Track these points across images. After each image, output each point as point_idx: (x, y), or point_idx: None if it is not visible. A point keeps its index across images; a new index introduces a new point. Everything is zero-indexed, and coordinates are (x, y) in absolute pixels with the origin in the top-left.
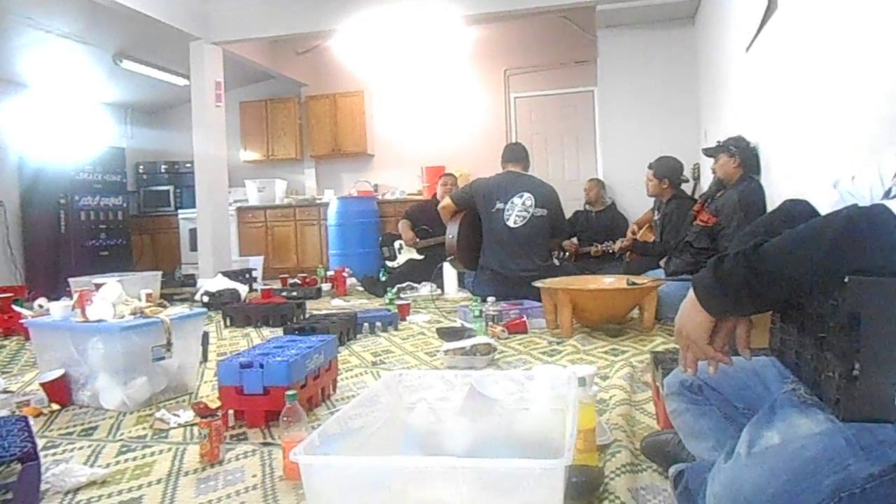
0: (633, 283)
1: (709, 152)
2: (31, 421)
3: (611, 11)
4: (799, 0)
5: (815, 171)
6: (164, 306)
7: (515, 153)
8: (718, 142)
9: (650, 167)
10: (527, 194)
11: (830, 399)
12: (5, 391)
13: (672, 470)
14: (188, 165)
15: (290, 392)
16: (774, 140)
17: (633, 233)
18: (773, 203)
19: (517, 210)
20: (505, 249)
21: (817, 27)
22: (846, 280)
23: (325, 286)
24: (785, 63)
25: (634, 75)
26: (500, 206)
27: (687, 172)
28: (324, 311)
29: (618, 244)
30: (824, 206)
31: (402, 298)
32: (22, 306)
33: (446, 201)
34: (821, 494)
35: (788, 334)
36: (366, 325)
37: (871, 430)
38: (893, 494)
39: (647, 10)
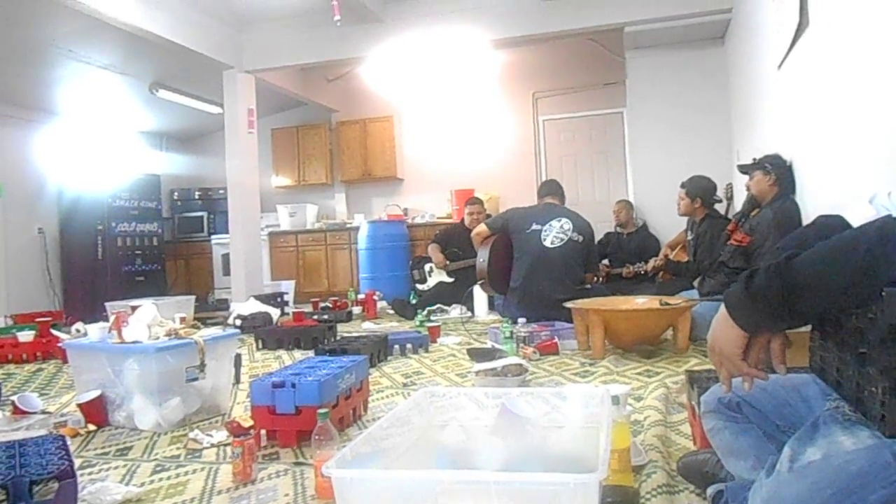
0: (666, 304)
1: (743, 169)
2: (69, 441)
3: (639, 33)
4: (831, 16)
5: (852, 188)
6: (198, 328)
7: (552, 188)
8: (754, 159)
9: (682, 186)
10: (565, 219)
11: (875, 415)
12: (44, 412)
13: (711, 490)
14: (221, 192)
15: (322, 410)
16: (809, 157)
17: (666, 255)
18: (808, 222)
19: (555, 231)
20: (539, 270)
21: (850, 42)
22: (884, 293)
23: (356, 309)
24: (819, 79)
25: (664, 96)
26: (536, 227)
27: (720, 192)
28: (354, 334)
29: (650, 264)
30: (859, 222)
31: (432, 321)
32: (60, 330)
33: (481, 228)
34: None
35: (828, 351)
36: (396, 347)
37: None
38: None
39: (675, 31)
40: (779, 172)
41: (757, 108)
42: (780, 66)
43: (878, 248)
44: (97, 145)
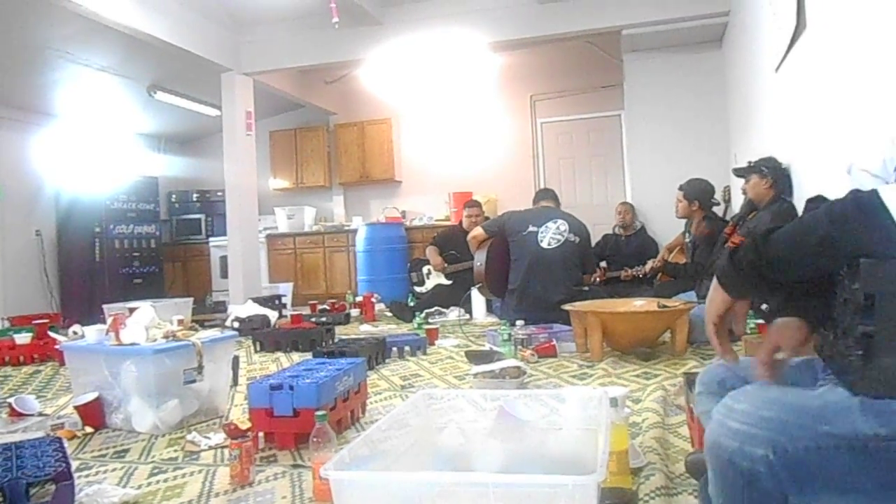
0: (664, 306)
1: (739, 172)
2: (66, 443)
3: (636, 36)
4: (828, 18)
5: (848, 191)
6: (196, 330)
7: (547, 194)
8: (750, 162)
9: (680, 189)
10: (560, 220)
11: (851, 381)
12: (41, 414)
13: (702, 481)
14: (219, 194)
15: (319, 413)
16: (806, 160)
17: (664, 257)
18: None
19: (551, 233)
20: (535, 271)
21: (848, 44)
22: (860, 263)
23: (354, 312)
24: (816, 82)
25: (662, 99)
26: (533, 228)
27: (717, 195)
28: (352, 336)
29: (648, 265)
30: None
31: (430, 323)
32: (57, 333)
33: (477, 231)
34: (817, 437)
35: (824, 334)
36: (394, 349)
37: (890, 403)
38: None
39: (673, 34)
40: (775, 175)
41: (754, 111)
42: (777, 69)
43: (837, 224)
44: (95, 148)
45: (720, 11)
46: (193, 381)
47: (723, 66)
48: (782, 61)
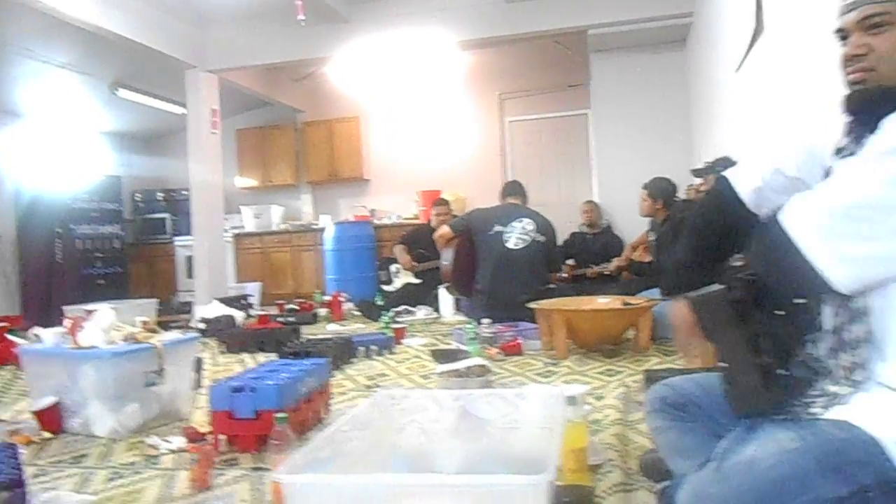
0: (628, 304)
1: (698, 173)
2: (21, 449)
3: (602, 36)
4: (784, 21)
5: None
6: (157, 332)
7: (514, 188)
8: (707, 162)
9: (644, 187)
10: (527, 219)
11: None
12: None
13: (659, 487)
14: (185, 193)
15: (279, 415)
16: None
17: (629, 256)
18: None
19: (517, 233)
20: (502, 272)
21: (803, 47)
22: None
23: (322, 311)
24: (773, 83)
25: (627, 98)
26: (499, 228)
27: (681, 193)
28: (319, 336)
29: (614, 263)
30: (746, 191)
31: (398, 322)
32: (17, 336)
33: (444, 230)
34: None
35: None
36: (361, 349)
37: (842, 450)
38: None
39: (638, 34)
40: None
41: (716, 110)
42: (737, 70)
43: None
44: (56, 146)
45: (684, 12)
46: (154, 384)
47: (686, 66)
48: (742, 62)
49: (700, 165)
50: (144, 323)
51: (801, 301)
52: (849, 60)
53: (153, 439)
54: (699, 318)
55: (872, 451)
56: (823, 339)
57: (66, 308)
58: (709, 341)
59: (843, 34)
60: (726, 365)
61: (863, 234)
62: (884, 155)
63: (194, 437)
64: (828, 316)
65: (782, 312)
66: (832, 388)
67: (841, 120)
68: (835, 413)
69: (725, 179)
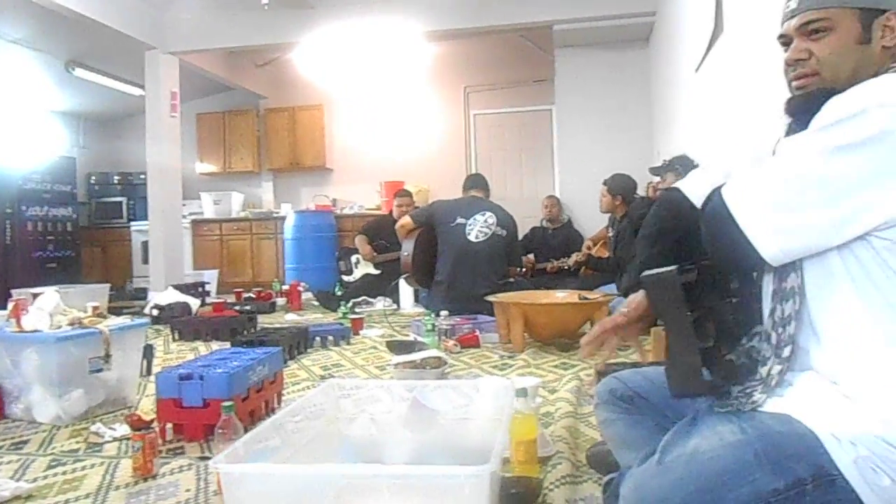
0: (585, 298)
1: (656, 171)
2: None
3: (567, 31)
4: (742, 22)
5: None
6: (105, 317)
7: (477, 181)
8: (665, 161)
9: (605, 184)
10: (489, 213)
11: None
12: None
13: (605, 479)
14: (142, 177)
15: (226, 404)
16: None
17: (588, 248)
18: None
19: (479, 226)
20: (463, 264)
21: (760, 49)
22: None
23: (280, 300)
24: (731, 83)
25: (591, 94)
26: (461, 220)
27: (641, 190)
28: (275, 325)
29: (573, 258)
30: (698, 197)
31: (356, 313)
32: None
33: (405, 220)
34: None
35: None
36: (317, 339)
37: (780, 444)
38: None
39: (602, 31)
40: (688, 173)
41: (675, 109)
42: (697, 70)
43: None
44: (7, 124)
45: (647, 11)
46: (100, 371)
47: (649, 65)
48: (702, 62)
49: (659, 164)
50: (94, 308)
51: (753, 290)
52: (790, 65)
53: (97, 426)
54: (650, 296)
55: (810, 445)
56: (764, 326)
57: (14, 291)
58: (661, 321)
59: (785, 40)
60: (671, 345)
61: (794, 205)
62: (820, 130)
63: (139, 424)
64: (766, 299)
65: (734, 300)
66: (764, 369)
67: (783, 122)
68: (775, 403)
69: (678, 189)
